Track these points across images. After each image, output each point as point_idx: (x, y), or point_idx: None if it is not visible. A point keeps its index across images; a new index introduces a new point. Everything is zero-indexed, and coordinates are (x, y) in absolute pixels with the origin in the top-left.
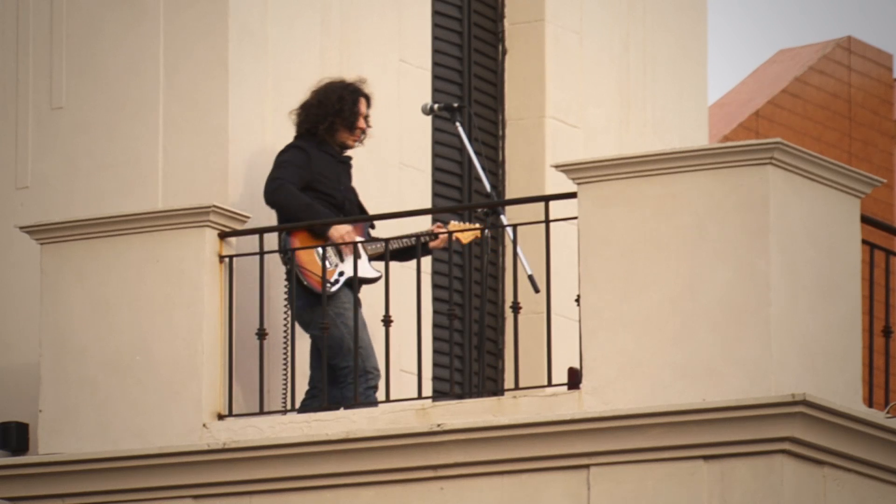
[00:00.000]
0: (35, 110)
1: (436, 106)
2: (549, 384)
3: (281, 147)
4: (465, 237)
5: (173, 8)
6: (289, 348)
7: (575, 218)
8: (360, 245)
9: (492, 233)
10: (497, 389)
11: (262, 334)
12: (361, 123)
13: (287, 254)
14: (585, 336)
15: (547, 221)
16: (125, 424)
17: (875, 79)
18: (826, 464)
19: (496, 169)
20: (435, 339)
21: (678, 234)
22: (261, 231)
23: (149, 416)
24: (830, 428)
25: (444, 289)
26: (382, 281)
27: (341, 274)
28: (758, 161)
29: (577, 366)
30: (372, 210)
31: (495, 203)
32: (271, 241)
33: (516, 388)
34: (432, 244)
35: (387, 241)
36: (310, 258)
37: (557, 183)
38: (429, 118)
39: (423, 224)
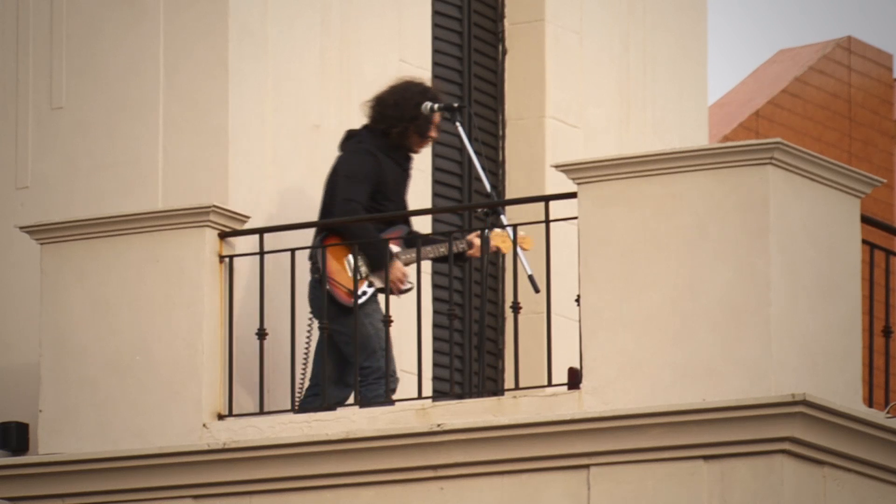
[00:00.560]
0: (35, 110)
1: (436, 106)
2: (549, 384)
3: (283, 146)
4: (507, 247)
5: (173, 8)
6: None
7: (575, 218)
8: (395, 255)
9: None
10: (497, 389)
11: (262, 334)
12: (433, 132)
13: (317, 262)
14: (585, 336)
15: (547, 221)
16: (125, 424)
17: (875, 79)
18: (826, 464)
19: (496, 169)
20: (435, 339)
21: (678, 234)
22: (261, 231)
23: (149, 416)
24: (830, 428)
25: (444, 289)
26: (414, 287)
27: (370, 285)
28: (758, 161)
29: (577, 366)
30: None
31: (495, 203)
32: (271, 241)
33: (516, 388)
34: (469, 253)
35: (418, 243)
36: (339, 268)
37: (557, 183)
38: None
39: (424, 224)
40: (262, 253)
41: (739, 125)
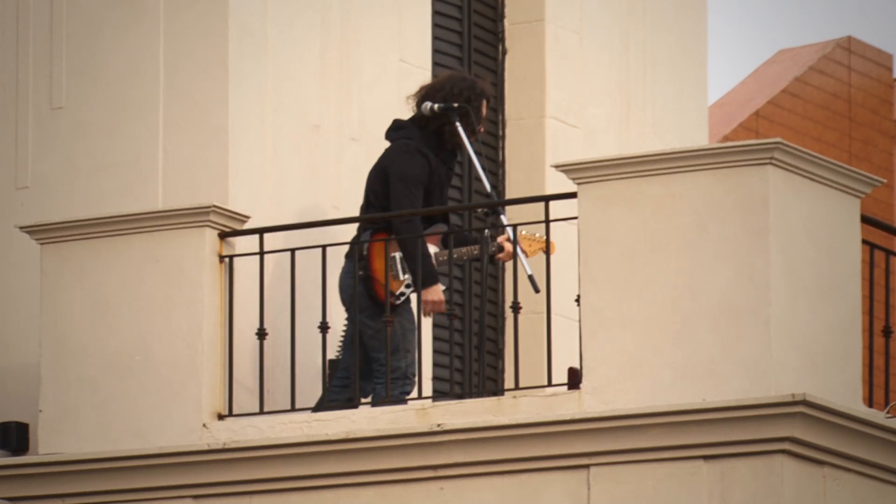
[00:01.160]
0: (35, 110)
1: (436, 106)
2: (549, 384)
3: (283, 146)
4: (532, 251)
5: (173, 8)
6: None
7: (575, 218)
8: (432, 255)
9: (492, 233)
10: (497, 389)
11: (262, 334)
12: (482, 128)
13: (362, 260)
14: (585, 336)
15: (547, 221)
16: (125, 424)
17: (875, 79)
18: (826, 464)
19: (496, 169)
20: (435, 339)
21: (678, 234)
22: (261, 231)
23: (149, 416)
24: (830, 428)
25: (445, 289)
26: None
27: (408, 286)
28: (758, 161)
29: (577, 366)
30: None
31: (495, 203)
32: (271, 241)
33: (516, 388)
34: (499, 256)
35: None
36: (382, 267)
37: (557, 183)
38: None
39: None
40: (262, 253)
41: (739, 125)
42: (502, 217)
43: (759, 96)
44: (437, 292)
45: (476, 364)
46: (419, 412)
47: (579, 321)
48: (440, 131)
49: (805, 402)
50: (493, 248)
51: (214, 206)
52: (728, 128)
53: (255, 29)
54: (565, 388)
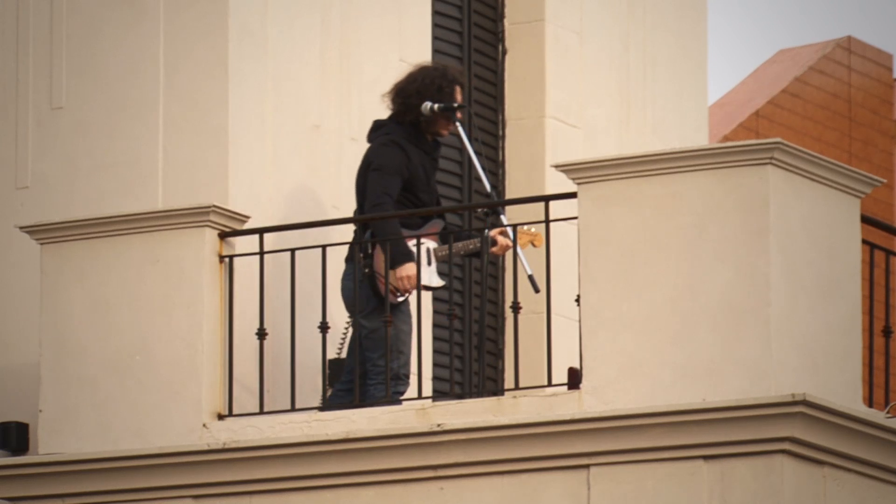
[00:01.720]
0: (35, 110)
1: (436, 106)
2: (549, 384)
3: (282, 146)
4: (522, 242)
5: (173, 8)
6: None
7: (575, 218)
8: (431, 251)
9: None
10: (497, 389)
11: (262, 334)
12: (459, 113)
13: (365, 257)
14: (585, 336)
15: (547, 221)
16: (125, 424)
17: (875, 79)
18: (826, 464)
19: (496, 169)
20: (435, 339)
21: (678, 234)
22: (261, 231)
23: (149, 416)
24: (830, 428)
25: (445, 289)
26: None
27: None
28: (758, 161)
29: (577, 366)
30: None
31: (495, 203)
32: (271, 240)
33: (516, 388)
34: (493, 250)
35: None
36: (406, 273)
37: (557, 183)
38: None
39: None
40: (262, 253)
41: (739, 125)
42: (502, 217)
43: (759, 96)
44: (409, 269)
45: (476, 364)
46: (419, 412)
47: (579, 321)
48: (417, 122)
49: (805, 402)
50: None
51: (214, 206)
52: (728, 128)
53: (255, 29)
54: (565, 388)
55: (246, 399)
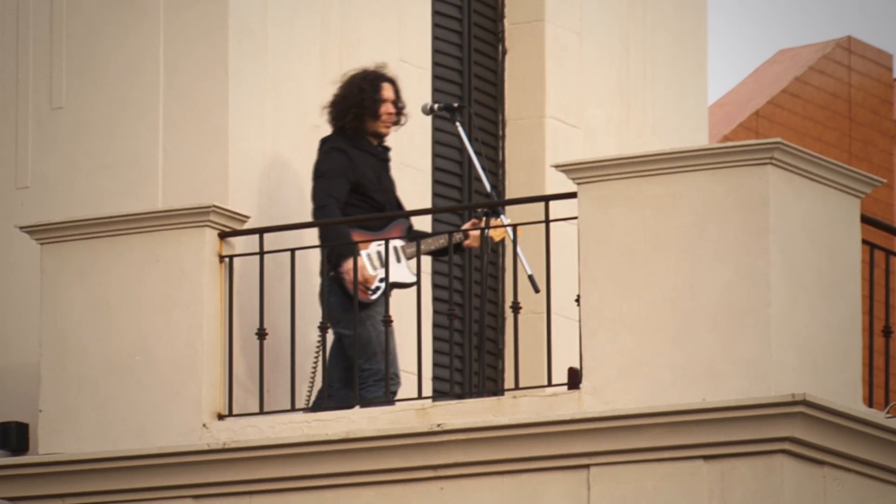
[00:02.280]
0: (35, 110)
1: (436, 106)
2: (549, 384)
3: (282, 146)
4: (497, 234)
5: (173, 8)
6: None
7: (575, 218)
8: (399, 249)
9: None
10: (497, 389)
11: (262, 334)
12: (387, 108)
13: (330, 262)
14: (585, 336)
15: (547, 221)
16: (125, 424)
17: (875, 79)
18: (826, 464)
19: (496, 169)
20: (435, 339)
21: (678, 234)
22: (261, 231)
23: (149, 416)
24: (830, 428)
25: (444, 289)
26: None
27: (382, 280)
28: (758, 161)
29: (577, 366)
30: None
31: (495, 203)
32: (271, 240)
33: (516, 388)
34: (465, 243)
35: (418, 241)
36: (348, 267)
37: (557, 183)
38: (429, 118)
39: (424, 224)
40: (262, 253)
41: (739, 125)
42: (502, 217)
43: (759, 96)
44: (349, 263)
45: (476, 364)
46: (419, 412)
47: (579, 321)
48: (357, 128)
49: (805, 402)
50: (459, 236)
51: (214, 206)
52: (728, 128)
53: (255, 29)
54: (565, 388)
55: (246, 399)
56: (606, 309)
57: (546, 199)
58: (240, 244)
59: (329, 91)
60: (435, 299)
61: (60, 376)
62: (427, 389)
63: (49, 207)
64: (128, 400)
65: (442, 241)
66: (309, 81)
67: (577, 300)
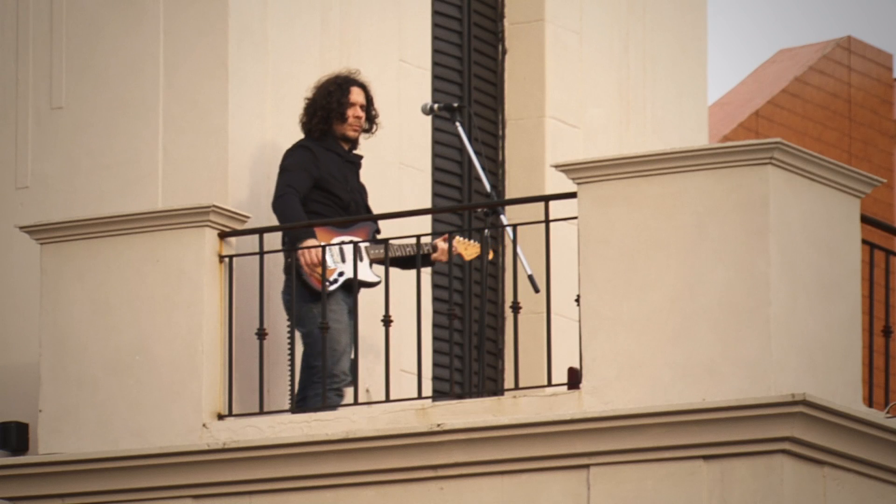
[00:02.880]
0: (35, 110)
1: (436, 106)
2: (549, 384)
3: (282, 145)
4: (469, 254)
5: (173, 8)
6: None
7: (575, 218)
8: (362, 248)
9: (492, 233)
10: (497, 389)
11: (262, 334)
12: (355, 112)
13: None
14: (585, 336)
15: (547, 221)
16: (125, 424)
17: (875, 79)
18: (826, 464)
19: (496, 169)
20: (435, 339)
21: (678, 234)
22: (261, 231)
23: (149, 416)
24: (830, 428)
25: (444, 289)
26: (383, 281)
27: (341, 274)
28: (758, 161)
29: (577, 366)
30: (372, 210)
31: (495, 203)
32: (271, 240)
33: (516, 388)
34: (434, 256)
35: (386, 244)
36: (306, 249)
37: (557, 183)
38: (429, 118)
39: (424, 224)
40: (262, 253)
41: (739, 125)
42: (502, 217)
43: (759, 96)
44: (310, 242)
45: (476, 364)
46: (419, 412)
47: (579, 321)
48: (325, 130)
49: (805, 402)
50: (428, 248)
51: (214, 206)
52: (728, 128)
53: (255, 29)
54: (565, 388)
55: (246, 399)
56: (606, 309)
57: (546, 199)
58: (240, 244)
59: None
60: (435, 299)
61: (60, 376)
62: (427, 389)
63: (49, 207)
64: (128, 400)
65: (409, 249)
66: (309, 81)
67: (577, 300)
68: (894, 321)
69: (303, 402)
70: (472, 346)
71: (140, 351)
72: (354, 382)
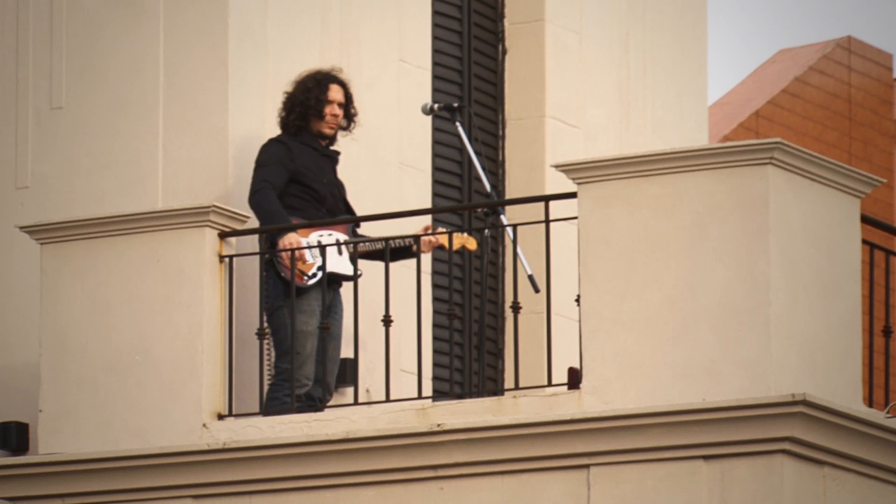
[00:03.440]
0: (35, 110)
1: (436, 106)
2: (549, 384)
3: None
4: (455, 244)
5: (173, 8)
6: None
7: (575, 218)
8: (342, 244)
9: (492, 233)
10: (497, 389)
11: (262, 334)
12: (332, 109)
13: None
14: (585, 336)
15: (547, 221)
16: (125, 424)
17: (875, 79)
18: (826, 464)
19: (496, 169)
20: (435, 339)
21: (678, 234)
22: (261, 231)
23: (149, 416)
24: (830, 428)
25: (444, 289)
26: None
27: (319, 269)
28: (758, 161)
29: (577, 366)
30: (372, 210)
31: (495, 203)
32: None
33: (516, 388)
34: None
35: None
36: (287, 241)
37: (557, 183)
38: (429, 118)
39: (424, 224)
40: (262, 253)
41: (739, 125)
42: (502, 217)
43: (759, 96)
44: (291, 237)
45: (476, 364)
46: (419, 412)
47: (579, 321)
48: (299, 123)
49: (805, 402)
50: (410, 241)
51: (214, 206)
52: (728, 128)
53: (255, 29)
54: (565, 388)
55: (246, 399)
56: (606, 309)
57: (546, 199)
58: (240, 244)
59: None
60: (435, 299)
61: (60, 376)
62: (427, 389)
63: (49, 207)
64: (128, 400)
65: (379, 245)
66: None
67: (577, 300)
68: (894, 321)
69: (267, 403)
70: (472, 346)
71: (140, 351)
72: (354, 383)
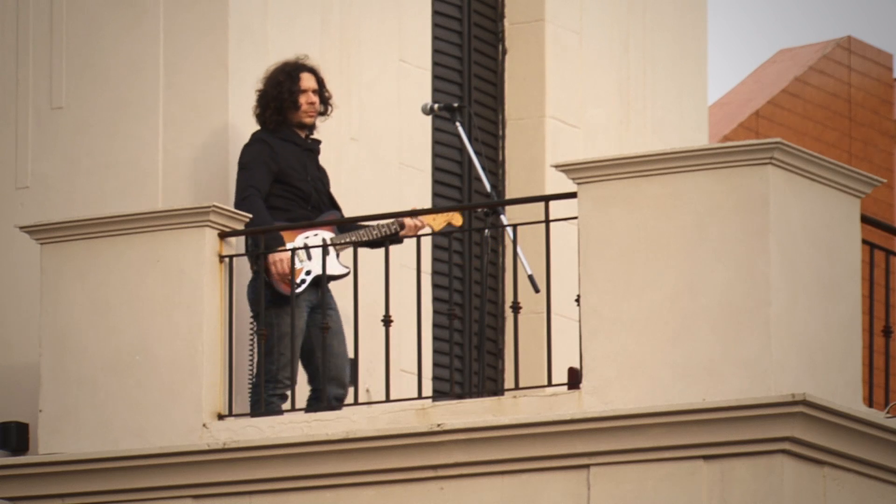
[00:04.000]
0: (35, 110)
1: (436, 106)
2: (549, 384)
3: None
4: (437, 224)
5: (173, 8)
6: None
7: (575, 218)
8: (329, 242)
9: (492, 233)
10: (497, 389)
11: (262, 334)
12: (307, 98)
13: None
14: (585, 336)
15: (547, 221)
16: (125, 424)
17: (875, 79)
18: (826, 464)
19: (496, 169)
20: (435, 339)
21: (678, 234)
22: (261, 231)
23: (149, 416)
24: (830, 428)
25: (444, 289)
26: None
27: (308, 273)
28: (758, 161)
29: (577, 366)
30: (372, 209)
31: (495, 203)
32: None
33: (516, 388)
34: (402, 233)
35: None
36: (277, 258)
37: (557, 183)
38: (429, 118)
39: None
40: (262, 253)
41: (739, 125)
42: (502, 217)
43: (759, 96)
44: (278, 255)
45: (476, 364)
46: (419, 412)
47: (579, 321)
48: (279, 121)
49: (805, 402)
50: (395, 227)
51: (214, 206)
52: (728, 128)
53: (255, 29)
54: (565, 388)
55: (246, 399)
56: (606, 309)
57: (546, 199)
58: (240, 244)
59: (329, 91)
60: (435, 299)
61: (60, 376)
62: (427, 389)
63: (49, 207)
64: (128, 400)
65: (374, 232)
66: None
67: (577, 300)
68: (894, 321)
69: (256, 404)
70: (472, 346)
71: (140, 351)
72: (354, 383)
